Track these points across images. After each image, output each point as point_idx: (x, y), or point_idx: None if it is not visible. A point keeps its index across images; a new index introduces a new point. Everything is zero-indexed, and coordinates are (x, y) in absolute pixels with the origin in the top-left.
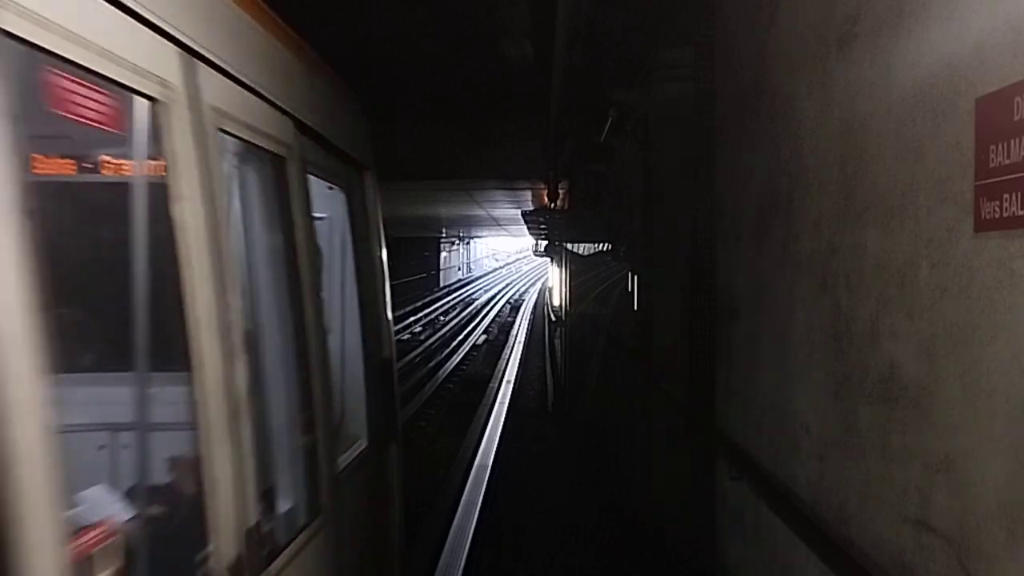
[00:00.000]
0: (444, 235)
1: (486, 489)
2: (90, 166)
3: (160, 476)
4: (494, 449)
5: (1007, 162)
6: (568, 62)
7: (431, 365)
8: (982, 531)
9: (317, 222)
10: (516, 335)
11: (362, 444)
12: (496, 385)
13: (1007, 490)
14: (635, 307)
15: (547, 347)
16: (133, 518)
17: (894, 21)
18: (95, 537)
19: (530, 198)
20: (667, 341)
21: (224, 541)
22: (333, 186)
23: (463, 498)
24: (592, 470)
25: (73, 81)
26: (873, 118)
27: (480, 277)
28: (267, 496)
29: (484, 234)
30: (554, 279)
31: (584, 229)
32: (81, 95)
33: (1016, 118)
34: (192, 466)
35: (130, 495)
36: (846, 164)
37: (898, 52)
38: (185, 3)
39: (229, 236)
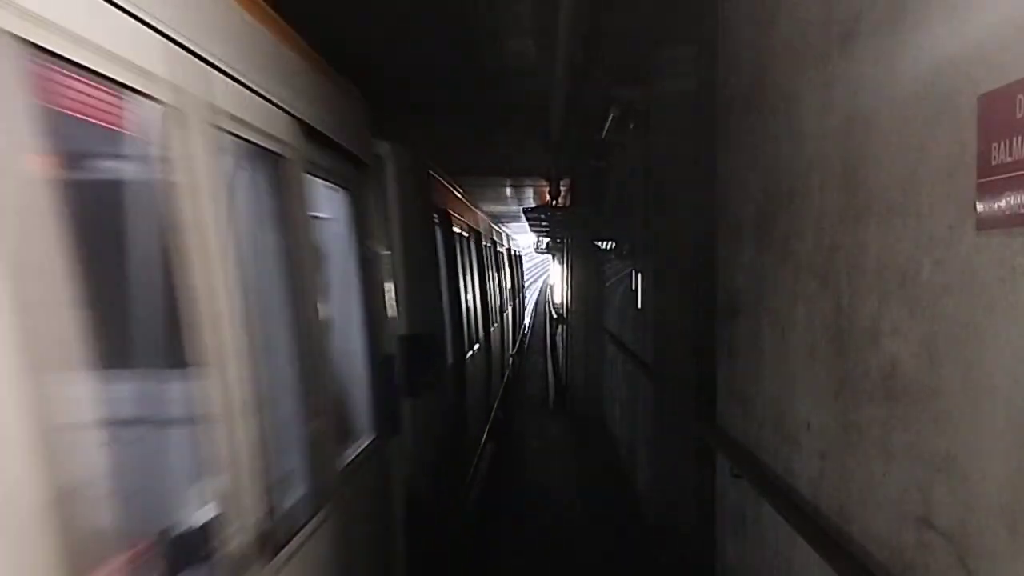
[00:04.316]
0: None
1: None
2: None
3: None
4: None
5: (1009, 160)
6: (570, 59)
7: None
8: (983, 529)
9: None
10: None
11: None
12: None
13: (1009, 488)
14: (638, 305)
15: (548, 345)
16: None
17: (896, 17)
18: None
19: (531, 195)
20: (669, 339)
21: None
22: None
23: None
24: (593, 468)
25: None
26: (875, 115)
27: None
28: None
29: None
30: (555, 277)
31: (586, 227)
32: None
33: (1018, 116)
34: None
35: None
36: (848, 161)
37: (900, 49)
38: None
39: None
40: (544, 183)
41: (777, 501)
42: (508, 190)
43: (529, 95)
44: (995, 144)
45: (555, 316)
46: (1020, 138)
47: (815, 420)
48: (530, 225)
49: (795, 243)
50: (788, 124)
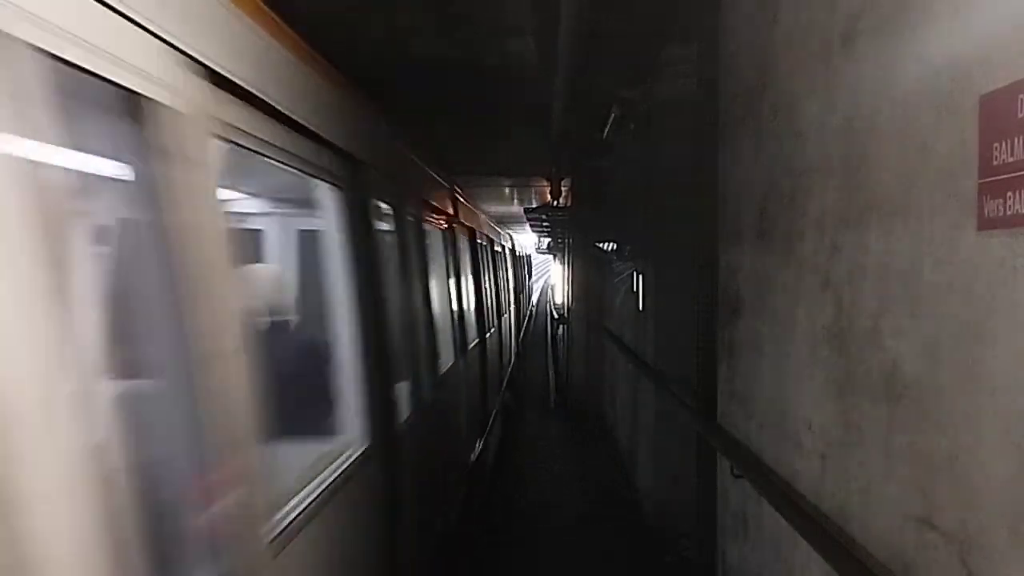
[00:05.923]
0: None
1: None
2: None
3: None
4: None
5: (1010, 160)
6: (570, 59)
7: None
8: (984, 529)
9: None
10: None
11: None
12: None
13: (1010, 488)
14: (639, 306)
15: (550, 345)
16: None
17: (898, 17)
18: None
19: (533, 195)
20: (669, 340)
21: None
22: None
23: None
24: (594, 466)
25: None
26: (876, 115)
27: None
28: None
29: None
30: (556, 277)
31: (587, 227)
32: None
33: (1020, 116)
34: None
35: None
36: (849, 162)
37: (901, 49)
38: None
39: None
40: (545, 183)
41: (778, 501)
42: (509, 191)
43: (529, 95)
44: (996, 144)
45: (556, 316)
46: (1022, 138)
47: (816, 420)
48: (531, 225)
49: (796, 243)
50: (789, 124)
